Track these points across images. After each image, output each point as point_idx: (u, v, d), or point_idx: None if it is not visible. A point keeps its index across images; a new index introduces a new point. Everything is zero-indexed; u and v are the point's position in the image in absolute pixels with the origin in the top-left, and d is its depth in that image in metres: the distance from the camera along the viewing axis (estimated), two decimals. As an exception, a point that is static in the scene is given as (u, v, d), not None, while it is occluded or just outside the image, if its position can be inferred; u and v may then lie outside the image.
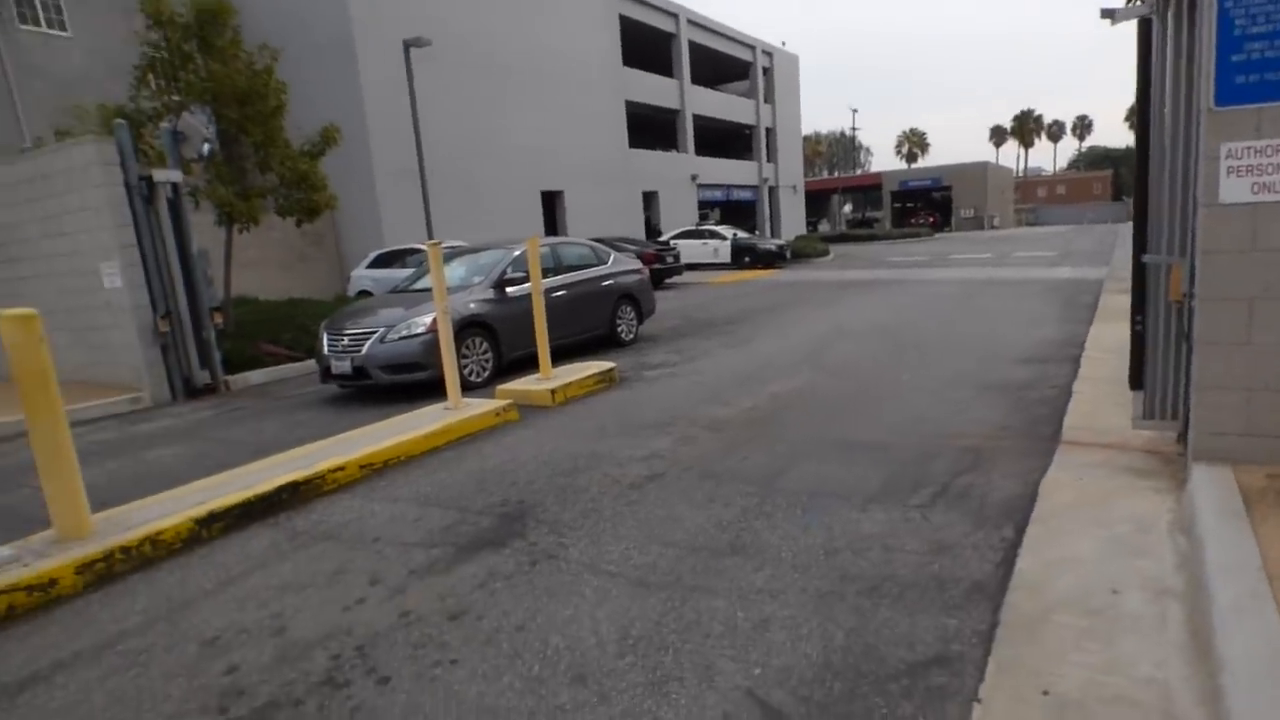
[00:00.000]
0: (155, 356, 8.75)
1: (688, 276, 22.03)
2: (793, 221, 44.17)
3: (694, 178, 34.38)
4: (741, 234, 26.98)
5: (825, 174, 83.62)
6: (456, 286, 8.48)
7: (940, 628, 2.72)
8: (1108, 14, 3.72)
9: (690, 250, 24.52)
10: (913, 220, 56.48)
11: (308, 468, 4.76)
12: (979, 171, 57.65)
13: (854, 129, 70.41)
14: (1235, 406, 3.54)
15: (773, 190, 42.14)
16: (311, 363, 9.28)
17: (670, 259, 20.55)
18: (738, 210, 40.67)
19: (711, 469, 4.69)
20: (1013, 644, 2.54)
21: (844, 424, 5.57)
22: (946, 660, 2.53)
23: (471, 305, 8.07)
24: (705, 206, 37.44)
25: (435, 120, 19.41)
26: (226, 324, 9.81)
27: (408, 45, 17.22)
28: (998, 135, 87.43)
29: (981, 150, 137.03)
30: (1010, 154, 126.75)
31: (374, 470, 5.05)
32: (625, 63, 29.44)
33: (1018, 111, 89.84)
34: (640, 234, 28.61)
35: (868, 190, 64.97)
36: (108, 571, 3.69)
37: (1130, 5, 3.72)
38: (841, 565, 3.26)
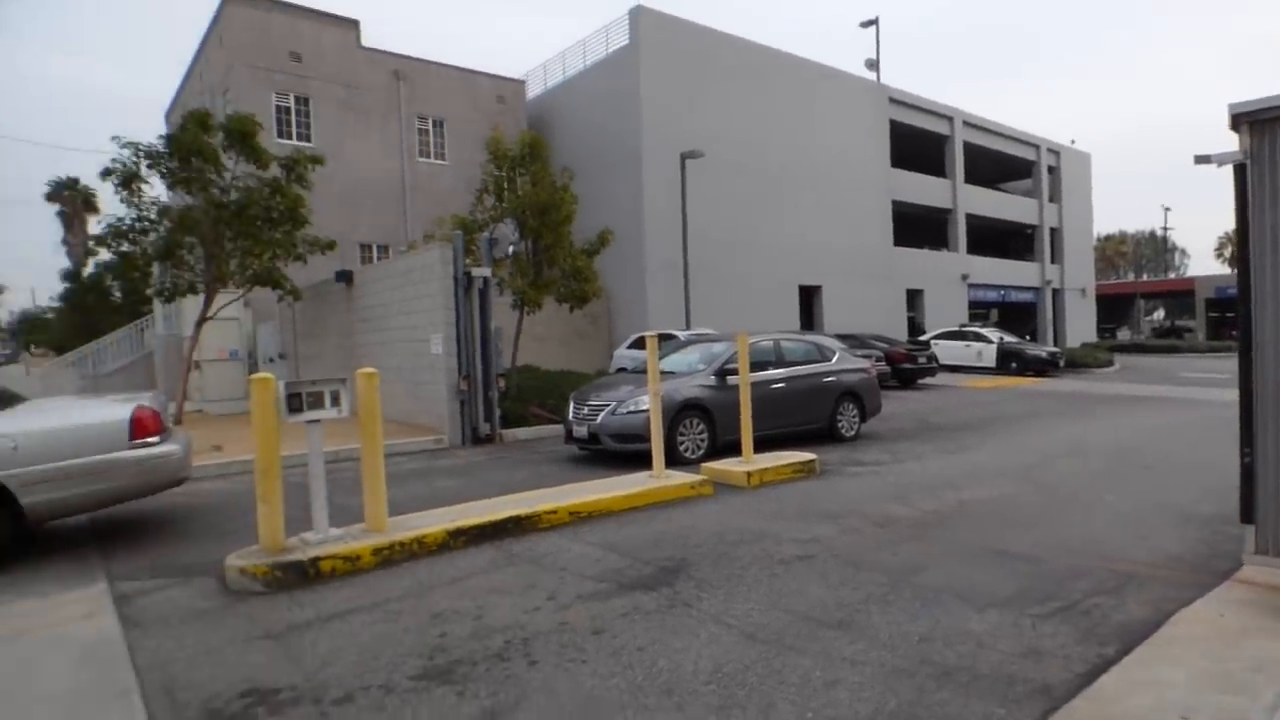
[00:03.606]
0: (456, 409, 11.12)
1: (945, 379, 21.36)
2: (1080, 327, 40.06)
3: (964, 277, 33.11)
4: (1009, 338, 25.40)
5: (1131, 277, 74.02)
6: (685, 371, 9.70)
7: (986, 714, 3.05)
8: (1202, 159, 3.85)
9: (951, 352, 23.72)
10: (1232, 333, 47.72)
11: (529, 507, 6.12)
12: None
13: (1165, 228, 61.84)
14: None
15: (1056, 293, 38.76)
16: (566, 425, 11.07)
17: (923, 359, 20.21)
18: (1017, 312, 38.00)
19: (858, 558, 5.15)
20: (1039, 739, 2.82)
21: (1011, 535, 5.64)
22: (969, 738, 2.89)
23: (694, 389, 9.19)
24: (979, 307, 35.60)
25: (702, 217, 21.51)
26: (508, 387, 12.08)
27: (684, 157, 19.59)
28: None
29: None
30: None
31: (579, 517, 6.26)
32: (895, 164, 29.84)
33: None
34: (902, 332, 28.18)
35: (1178, 296, 56.82)
36: (390, 557, 5.23)
37: (1224, 152, 3.83)
38: (927, 651, 3.65)
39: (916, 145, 31.69)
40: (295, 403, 5.19)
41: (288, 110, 20.45)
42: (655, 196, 21.63)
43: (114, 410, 5.88)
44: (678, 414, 8.88)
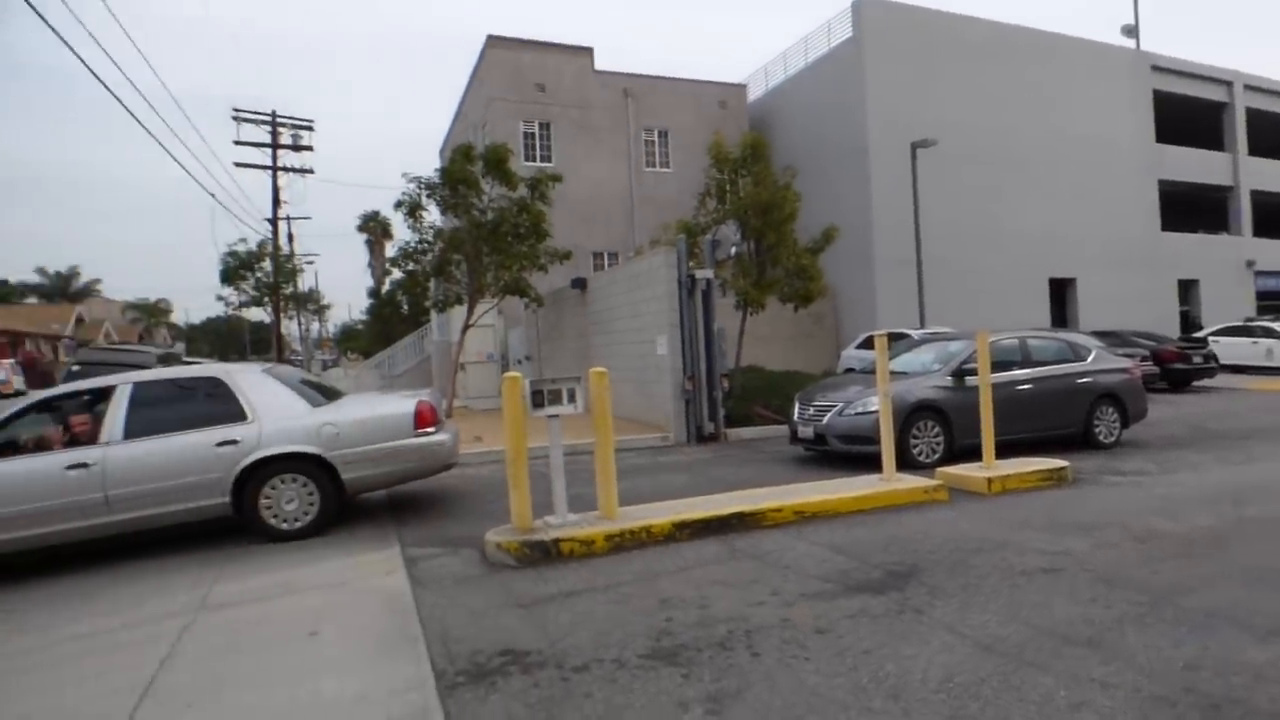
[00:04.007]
0: (680, 407, 11.56)
1: (1227, 381, 18.18)
2: None
3: (1250, 264, 27.79)
4: (1309, 334, 20.79)
5: None
6: (919, 371, 9.24)
7: (1275, 766, 2.64)
8: None
9: (1234, 350, 20.10)
10: None
11: (754, 504, 6.23)
12: None
13: None
14: None
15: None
16: (791, 426, 11.03)
17: (1198, 359, 17.36)
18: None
19: (1113, 574, 4.63)
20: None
21: (1327, 567, 4.70)
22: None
23: (928, 390, 8.72)
24: (1270, 298, 29.54)
25: (935, 210, 20.22)
26: (732, 388, 12.29)
27: (915, 147, 18.54)
28: None
29: None
30: None
31: (804, 517, 6.24)
32: (1159, 139, 26.04)
33: None
34: (1172, 328, 24.35)
35: None
36: (620, 543, 5.64)
37: None
38: (1194, 680, 3.22)
39: (1186, 116, 27.41)
40: (539, 399, 5.79)
41: (532, 135, 22.65)
42: (883, 190, 20.73)
43: (402, 404, 6.96)
44: (910, 415, 8.49)
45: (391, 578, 5.27)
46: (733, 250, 12.65)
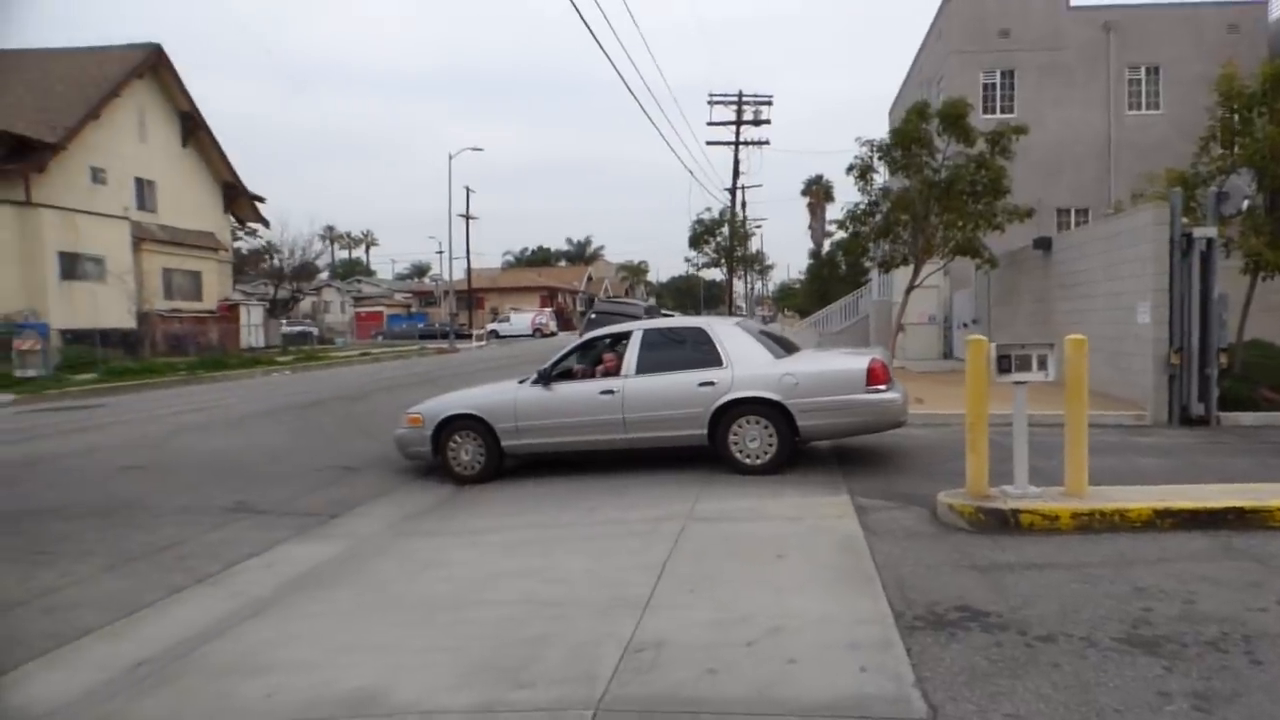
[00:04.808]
0: (1162, 383, 9.94)
1: None
2: None
3: None
4: None
5: None
6: None
7: None
8: None
9: None
10: None
11: (1257, 500, 5.27)
12: None
13: None
14: None
15: None
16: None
17: None
18: None
19: None
20: None
21: None
22: None
23: None
24: None
25: None
26: (1231, 365, 10.15)
27: None
28: None
29: None
30: None
31: (1337, 526, 5.03)
32: None
33: None
34: None
35: None
36: (1088, 524, 5.29)
37: None
38: None
39: None
40: (1005, 364, 5.67)
41: (993, 86, 21.06)
42: None
43: (856, 361, 7.44)
44: None
45: (843, 521, 5.80)
46: (1244, 204, 10.22)
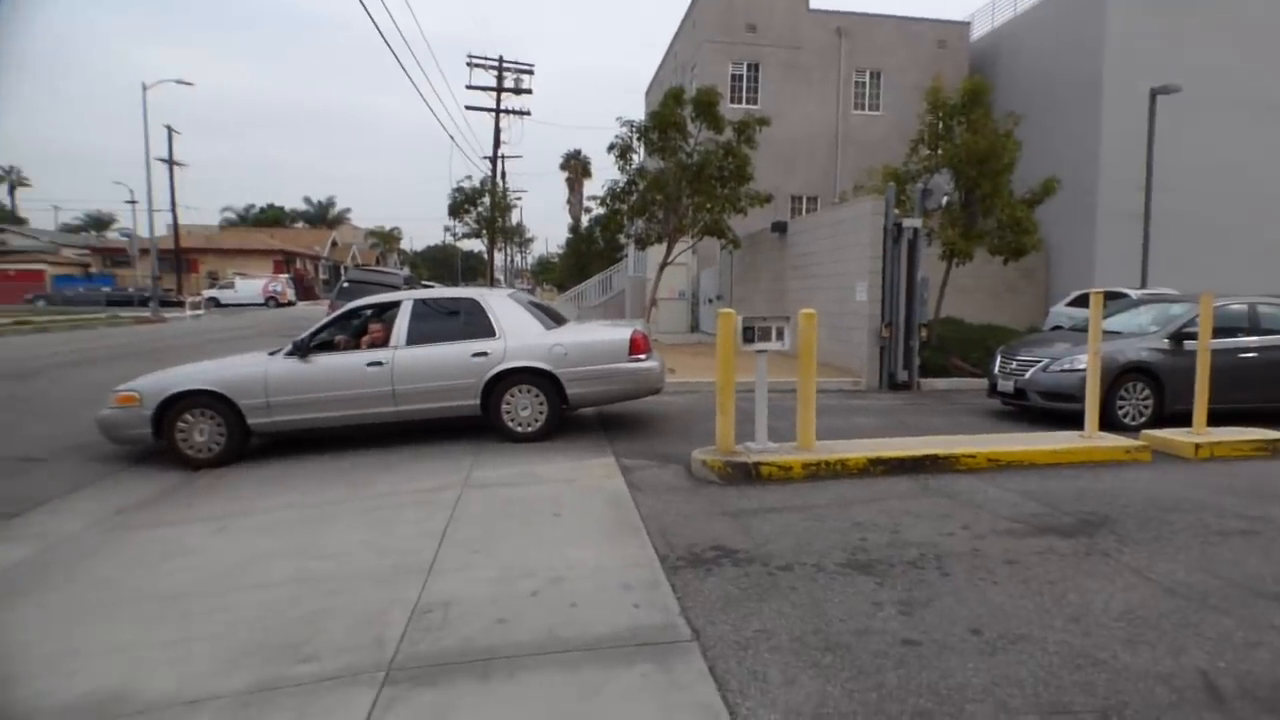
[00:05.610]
0: (875, 354, 11.73)
1: None
2: None
3: None
4: None
5: None
6: (1134, 332, 8.82)
7: None
8: None
9: None
10: None
11: (948, 448, 6.52)
12: None
13: None
14: None
15: None
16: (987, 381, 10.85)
17: None
18: None
19: (1334, 552, 4.51)
20: None
21: None
22: None
23: (1142, 352, 8.34)
24: None
25: (1171, 160, 18.01)
26: (929, 338, 12.20)
27: (1154, 93, 16.59)
28: None
29: None
30: None
31: (997, 465, 6.43)
32: None
33: None
34: None
35: None
36: (816, 472, 6.19)
37: None
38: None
39: None
40: (750, 335, 6.38)
41: (740, 78, 22.80)
42: (1114, 138, 18.85)
43: (619, 332, 7.86)
44: (1119, 376, 8.20)
45: (610, 480, 6.19)
46: (944, 200, 12.33)
